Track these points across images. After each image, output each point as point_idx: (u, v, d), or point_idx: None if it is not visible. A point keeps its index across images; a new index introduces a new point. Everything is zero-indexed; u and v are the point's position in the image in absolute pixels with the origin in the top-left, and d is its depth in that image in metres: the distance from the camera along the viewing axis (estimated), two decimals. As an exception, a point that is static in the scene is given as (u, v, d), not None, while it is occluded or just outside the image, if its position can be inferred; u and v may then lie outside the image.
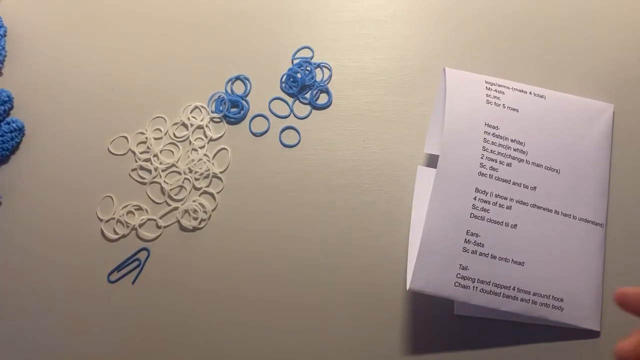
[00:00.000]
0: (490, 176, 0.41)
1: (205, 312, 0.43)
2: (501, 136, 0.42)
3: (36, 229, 0.46)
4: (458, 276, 0.39)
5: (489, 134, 0.42)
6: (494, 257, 0.40)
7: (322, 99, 0.48)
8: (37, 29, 0.52)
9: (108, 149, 0.48)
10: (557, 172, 0.42)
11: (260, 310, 0.43)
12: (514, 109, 0.43)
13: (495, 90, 0.43)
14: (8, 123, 0.48)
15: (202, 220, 0.45)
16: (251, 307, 0.43)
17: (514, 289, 0.39)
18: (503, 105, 0.43)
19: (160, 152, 0.48)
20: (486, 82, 0.43)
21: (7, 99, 0.49)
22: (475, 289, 0.39)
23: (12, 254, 0.46)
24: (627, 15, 0.48)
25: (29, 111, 0.50)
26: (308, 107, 0.48)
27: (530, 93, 0.44)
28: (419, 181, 0.43)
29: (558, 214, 0.41)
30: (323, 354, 0.41)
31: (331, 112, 0.48)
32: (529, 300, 0.40)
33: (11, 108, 0.50)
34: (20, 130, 0.49)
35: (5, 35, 0.52)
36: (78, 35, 0.52)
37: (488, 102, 0.43)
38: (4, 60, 0.51)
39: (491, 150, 0.41)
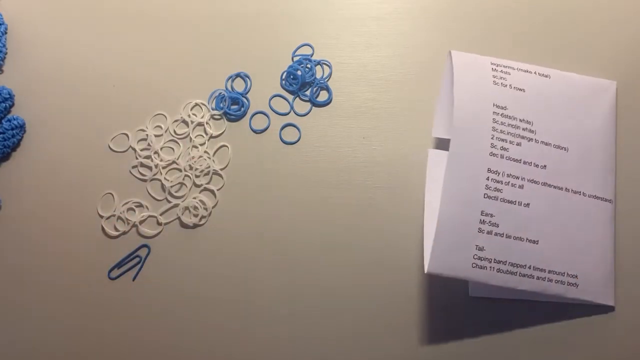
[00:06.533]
0: (502, 156, 0.41)
1: (206, 309, 0.43)
2: (510, 116, 0.42)
3: (37, 226, 0.46)
4: (475, 257, 0.39)
5: (497, 114, 0.42)
6: (509, 236, 0.40)
7: (322, 96, 0.48)
8: (38, 26, 0.52)
9: (109, 146, 0.48)
10: (565, 150, 0.42)
11: (261, 306, 0.43)
12: (520, 89, 0.43)
13: (501, 72, 0.44)
14: (9, 120, 0.48)
15: (203, 217, 0.45)
16: (252, 304, 0.43)
17: (529, 268, 0.39)
18: (510, 85, 0.43)
19: (161, 149, 0.48)
20: (492, 64, 0.44)
21: (7, 96, 0.49)
22: (492, 269, 0.39)
23: (12, 250, 0.46)
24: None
25: (30, 108, 0.50)
26: (308, 104, 0.48)
27: (535, 73, 0.44)
28: (431, 164, 0.43)
29: (568, 191, 0.42)
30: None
31: (331, 109, 0.48)
32: (545, 278, 0.40)
33: (12, 105, 0.50)
34: (21, 128, 0.49)
35: (6, 33, 0.52)
36: (79, 32, 0.52)
37: (495, 83, 0.43)
38: (4, 57, 0.51)
39: (501, 130, 0.41)
